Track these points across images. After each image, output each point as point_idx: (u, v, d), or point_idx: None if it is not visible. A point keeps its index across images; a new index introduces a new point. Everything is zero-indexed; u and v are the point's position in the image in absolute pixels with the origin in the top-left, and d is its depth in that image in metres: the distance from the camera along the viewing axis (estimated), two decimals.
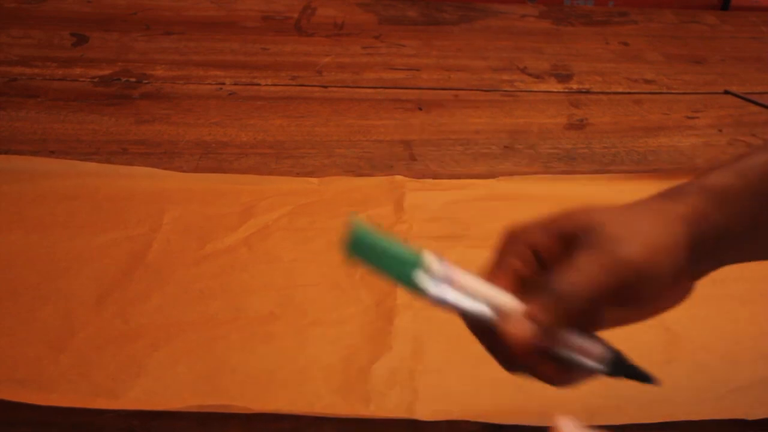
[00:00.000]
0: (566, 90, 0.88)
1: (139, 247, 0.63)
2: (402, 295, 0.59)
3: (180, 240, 0.64)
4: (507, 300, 0.39)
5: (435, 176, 0.72)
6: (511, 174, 0.73)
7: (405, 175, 0.72)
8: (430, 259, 0.37)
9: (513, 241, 0.42)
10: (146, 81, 0.85)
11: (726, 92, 0.88)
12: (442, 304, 0.38)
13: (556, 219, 0.41)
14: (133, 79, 0.86)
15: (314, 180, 0.71)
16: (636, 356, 0.55)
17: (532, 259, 0.41)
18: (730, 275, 0.61)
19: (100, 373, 0.53)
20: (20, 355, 0.54)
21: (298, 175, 0.72)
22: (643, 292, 0.40)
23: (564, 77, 0.90)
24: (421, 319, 0.58)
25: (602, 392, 0.52)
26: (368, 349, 0.55)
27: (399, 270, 0.37)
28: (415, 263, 0.37)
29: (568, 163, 0.76)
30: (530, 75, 0.91)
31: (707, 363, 0.55)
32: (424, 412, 0.51)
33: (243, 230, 0.65)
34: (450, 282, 0.38)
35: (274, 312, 0.58)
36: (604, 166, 0.75)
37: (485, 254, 0.62)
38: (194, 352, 0.55)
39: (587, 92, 0.87)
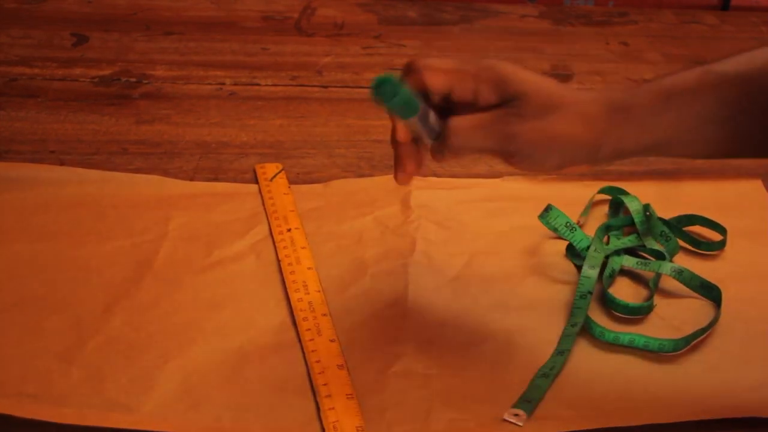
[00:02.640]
0: None
1: (145, 254, 0.62)
2: (413, 297, 0.59)
3: (186, 247, 0.63)
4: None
5: (435, 176, 0.72)
6: (510, 174, 0.73)
7: None
8: (423, 106, 0.48)
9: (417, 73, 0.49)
10: (146, 81, 0.85)
11: None
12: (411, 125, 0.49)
13: (474, 73, 0.49)
14: (133, 79, 0.86)
15: (319, 186, 0.71)
16: (646, 356, 0.56)
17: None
18: (733, 276, 0.62)
19: (113, 386, 0.52)
20: (30, 368, 0.53)
21: (298, 175, 0.72)
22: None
23: (564, 77, 0.90)
24: (433, 322, 0.58)
25: (617, 395, 0.53)
26: (382, 356, 0.55)
27: (405, 112, 0.47)
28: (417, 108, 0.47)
29: None
30: None
31: (719, 363, 0.55)
32: (439, 424, 0.50)
33: (250, 237, 0.65)
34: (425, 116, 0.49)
35: (285, 321, 0.57)
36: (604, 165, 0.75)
37: (493, 260, 0.62)
38: (206, 363, 0.54)
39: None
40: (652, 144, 0.52)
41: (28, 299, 0.58)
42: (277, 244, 0.63)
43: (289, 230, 0.64)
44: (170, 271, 0.61)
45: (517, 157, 0.50)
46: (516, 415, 0.50)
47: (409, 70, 0.49)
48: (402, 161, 0.52)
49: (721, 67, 0.53)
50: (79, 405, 0.50)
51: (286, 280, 0.60)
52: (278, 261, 0.61)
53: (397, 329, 0.57)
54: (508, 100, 0.49)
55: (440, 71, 0.49)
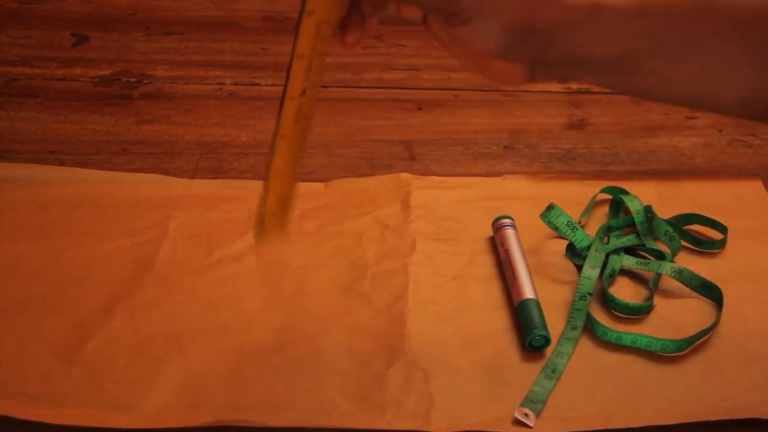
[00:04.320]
0: (566, 90, 0.88)
1: (145, 254, 0.62)
2: (413, 297, 0.59)
3: (187, 247, 0.63)
4: None
5: (435, 176, 0.72)
6: (511, 173, 0.73)
7: None
8: None
9: None
10: (146, 81, 0.85)
11: None
12: None
13: None
14: (133, 79, 0.86)
15: (319, 184, 0.71)
16: (648, 356, 0.56)
17: None
18: (733, 276, 0.62)
19: (113, 386, 0.52)
20: (31, 368, 0.53)
21: (298, 174, 0.72)
22: None
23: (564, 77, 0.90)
24: (434, 322, 0.58)
25: (618, 396, 0.53)
26: (382, 355, 0.55)
27: None
28: None
29: (568, 163, 0.76)
30: None
31: (719, 364, 0.55)
32: (440, 422, 0.51)
33: (250, 236, 0.64)
34: None
35: (286, 321, 0.57)
36: (604, 166, 0.75)
37: (493, 260, 0.62)
38: (207, 363, 0.54)
39: (587, 92, 0.87)
40: (623, 53, 0.44)
41: (28, 299, 0.58)
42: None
43: None
44: (170, 270, 0.61)
45: (456, 19, 0.43)
46: (526, 414, 0.51)
47: None
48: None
49: None
50: (79, 405, 0.50)
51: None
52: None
53: (397, 328, 0.57)
54: None
55: None
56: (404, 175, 0.71)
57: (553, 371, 0.54)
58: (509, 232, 0.63)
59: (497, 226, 0.64)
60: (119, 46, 0.92)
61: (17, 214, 0.65)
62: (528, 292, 0.58)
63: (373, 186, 0.70)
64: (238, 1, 1.03)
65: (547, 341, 0.55)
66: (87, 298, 0.58)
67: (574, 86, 0.89)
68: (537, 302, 0.57)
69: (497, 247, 0.63)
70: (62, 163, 0.72)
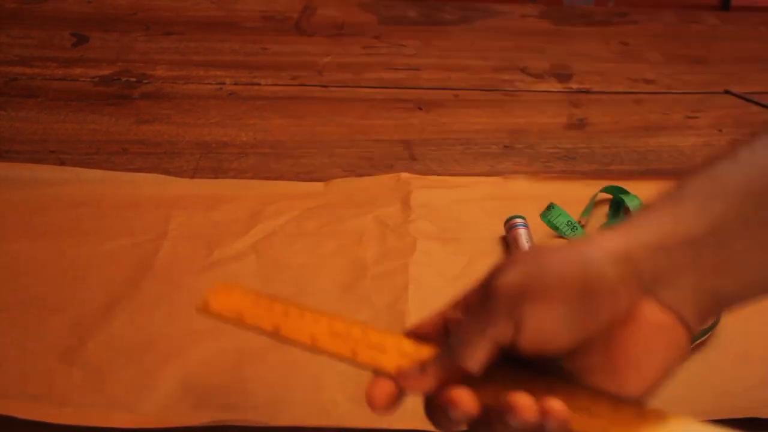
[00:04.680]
0: (566, 90, 0.88)
1: (146, 254, 0.62)
2: (413, 297, 0.59)
3: (187, 246, 0.63)
4: None
5: (435, 175, 0.72)
6: (512, 173, 0.73)
7: None
8: None
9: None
10: (146, 81, 0.85)
11: (726, 92, 0.88)
12: None
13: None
14: (133, 79, 0.86)
15: (319, 184, 0.70)
16: None
17: None
18: None
19: (114, 386, 0.52)
20: (31, 368, 0.53)
21: (298, 174, 0.72)
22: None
23: (564, 77, 0.90)
24: None
25: None
26: None
27: None
28: None
29: (568, 163, 0.76)
30: (530, 75, 0.91)
31: (719, 363, 0.55)
32: None
33: (250, 236, 0.64)
34: None
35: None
36: (604, 165, 0.75)
37: (494, 259, 0.62)
38: (207, 363, 0.54)
39: (587, 92, 0.87)
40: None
41: (29, 299, 0.58)
42: None
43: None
44: (171, 270, 0.61)
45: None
46: None
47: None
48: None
49: None
50: (80, 405, 0.50)
51: None
52: None
53: (397, 328, 0.57)
54: None
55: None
56: (404, 175, 0.71)
57: None
58: (522, 231, 0.63)
59: (510, 225, 0.64)
60: (119, 46, 0.92)
61: (17, 214, 0.65)
62: None
63: (374, 186, 0.70)
64: (238, 1, 1.03)
65: None
66: (87, 298, 0.58)
67: (574, 86, 0.89)
68: None
69: (508, 246, 0.63)
70: (62, 163, 0.72)
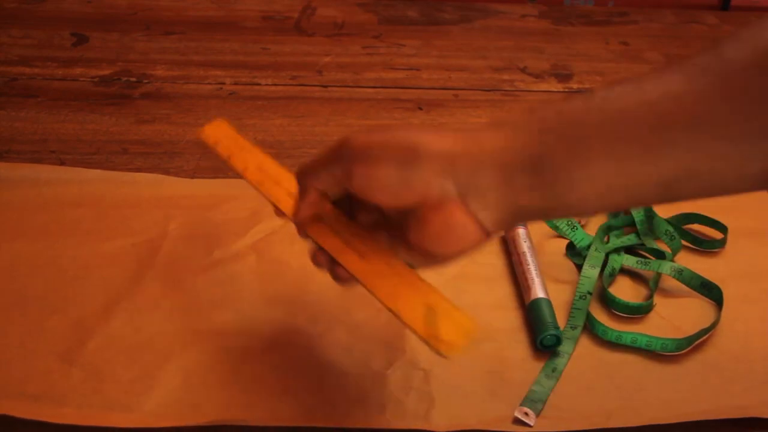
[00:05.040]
0: (566, 90, 0.88)
1: (145, 254, 0.62)
2: None
3: (187, 247, 0.63)
4: None
5: None
6: None
7: None
8: None
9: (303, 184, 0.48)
10: (146, 81, 0.85)
11: None
12: None
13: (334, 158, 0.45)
14: (133, 79, 0.86)
15: None
16: (647, 355, 0.56)
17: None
18: (733, 275, 0.62)
19: (113, 386, 0.52)
20: (31, 368, 0.53)
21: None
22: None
23: (564, 77, 0.90)
24: None
25: (618, 394, 0.53)
26: (382, 354, 0.55)
27: None
28: None
29: None
30: (530, 75, 0.91)
31: (719, 362, 0.55)
32: (440, 421, 0.51)
33: (250, 236, 0.64)
34: None
35: (286, 321, 0.57)
36: None
37: (494, 259, 0.62)
38: (207, 363, 0.54)
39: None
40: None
41: (29, 299, 0.58)
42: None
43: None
44: (171, 270, 0.61)
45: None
46: (526, 414, 0.51)
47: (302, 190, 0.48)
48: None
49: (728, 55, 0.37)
50: (79, 405, 0.50)
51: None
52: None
53: (397, 328, 0.57)
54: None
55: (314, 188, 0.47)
56: None
57: (554, 370, 0.54)
58: (522, 231, 0.63)
59: None
60: (119, 46, 0.92)
61: (18, 214, 0.65)
62: (541, 292, 0.58)
63: None
64: (238, 1, 1.03)
65: (558, 340, 0.55)
66: (87, 298, 0.58)
67: (575, 86, 0.89)
68: (549, 301, 0.57)
69: (507, 246, 0.63)
70: (62, 163, 0.72)
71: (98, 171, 0.70)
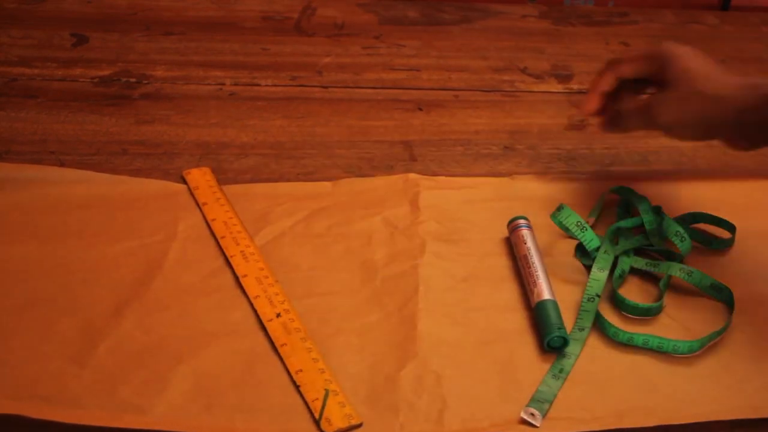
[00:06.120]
0: (566, 90, 0.88)
1: (155, 256, 0.62)
2: (424, 299, 0.59)
3: (196, 248, 0.63)
4: None
5: (443, 176, 0.72)
6: (519, 174, 0.73)
7: None
8: None
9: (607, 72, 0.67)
10: (146, 81, 0.85)
11: None
12: None
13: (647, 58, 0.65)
14: (133, 80, 0.85)
15: (327, 184, 0.70)
16: (659, 357, 0.56)
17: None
18: (743, 276, 0.62)
19: (125, 388, 0.52)
20: (42, 370, 0.53)
21: (298, 175, 0.72)
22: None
23: (564, 77, 0.90)
24: (444, 323, 0.58)
25: (630, 395, 0.53)
26: (394, 357, 0.55)
27: None
28: None
29: (569, 164, 0.76)
30: (530, 75, 0.91)
31: (731, 363, 0.55)
32: (453, 422, 0.51)
33: (259, 238, 0.64)
34: None
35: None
36: (605, 166, 0.75)
37: (503, 260, 0.62)
38: (219, 365, 0.54)
39: (587, 92, 0.87)
40: None
41: (39, 301, 0.58)
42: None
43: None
44: (180, 272, 0.61)
45: (665, 132, 0.64)
46: (532, 414, 0.51)
47: (607, 67, 0.66)
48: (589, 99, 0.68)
49: None
50: (91, 406, 0.50)
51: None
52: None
53: (408, 330, 0.57)
54: (667, 82, 0.62)
55: (625, 63, 0.65)
56: (412, 176, 0.71)
57: (561, 371, 0.54)
58: (526, 233, 0.63)
59: (513, 226, 0.64)
60: (119, 46, 0.92)
61: (25, 215, 0.65)
62: (547, 293, 0.58)
63: (382, 186, 0.70)
64: (238, 1, 1.03)
65: (565, 342, 0.55)
66: (97, 300, 0.58)
67: (575, 86, 0.89)
68: (555, 303, 0.57)
69: (512, 248, 0.63)
70: (62, 164, 0.72)
71: (105, 174, 0.70)
